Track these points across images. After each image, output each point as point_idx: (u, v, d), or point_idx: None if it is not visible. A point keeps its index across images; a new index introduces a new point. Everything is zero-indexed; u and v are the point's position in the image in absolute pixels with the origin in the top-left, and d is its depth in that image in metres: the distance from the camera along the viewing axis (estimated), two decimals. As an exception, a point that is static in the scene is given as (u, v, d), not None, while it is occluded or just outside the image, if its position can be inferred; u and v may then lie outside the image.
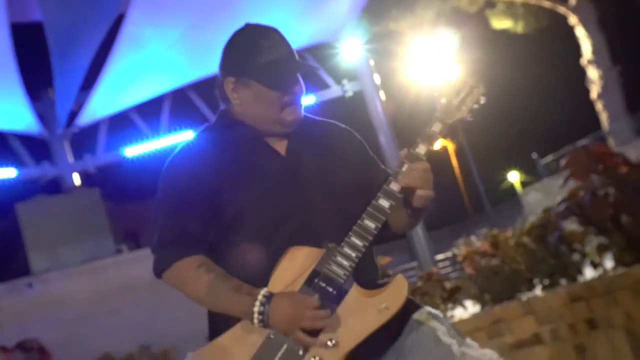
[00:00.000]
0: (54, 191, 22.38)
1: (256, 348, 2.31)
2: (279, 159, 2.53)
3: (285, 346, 2.30)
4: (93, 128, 22.09)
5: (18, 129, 21.15)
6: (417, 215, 2.53)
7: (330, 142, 2.62)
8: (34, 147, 21.76)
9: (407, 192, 2.43)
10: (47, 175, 21.65)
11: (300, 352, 2.30)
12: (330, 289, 2.31)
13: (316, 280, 2.33)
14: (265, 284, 2.36)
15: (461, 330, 2.55)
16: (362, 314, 2.31)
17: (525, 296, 6.63)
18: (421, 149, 2.46)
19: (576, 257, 6.66)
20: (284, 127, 2.53)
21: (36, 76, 21.27)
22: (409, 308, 2.45)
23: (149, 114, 22.26)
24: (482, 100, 2.56)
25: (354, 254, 2.33)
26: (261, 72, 2.47)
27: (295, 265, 2.36)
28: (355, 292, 2.34)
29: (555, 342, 6.21)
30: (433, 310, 2.53)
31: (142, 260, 21.03)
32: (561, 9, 24.35)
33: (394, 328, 2.41)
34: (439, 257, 20.59)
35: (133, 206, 28.04)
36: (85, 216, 21.29)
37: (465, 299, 7.17)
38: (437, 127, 2.51)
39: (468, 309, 7.05)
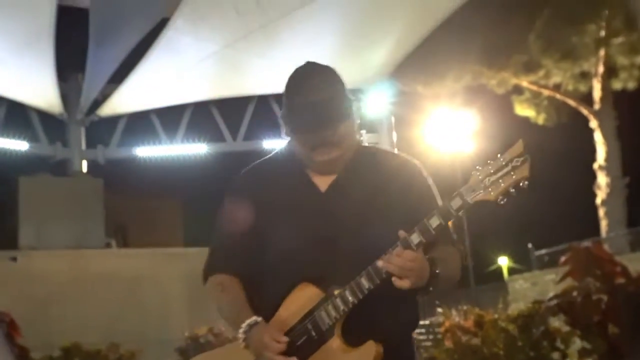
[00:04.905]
0: (59, 173, 22.35)
1: None
2: (317, 195, 2.65)
3: None
4: (112, 121, 22.23)
5: (40, 105, 21.22)
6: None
7: (382, 183, 2.63)
8: (50, 126, 21.81)
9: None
10: (56, 156, 21.74)
11: None
12: (314, 333, 2.52)
13: (306, 322, 2.54)
14: (277, 306, 2.60)
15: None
16: None
17: (498, 381, 6.67)
18: (415, 238, 2.39)
19: (556, 355, 6.71)
20: (318, 165, 2.62)
21: (70, 59, 21.36)
22: None
23: (168, 119, 22.39)
24: (524, 185, 2.29)
25: (351, 299, 2.46)
26: (293, 112, 2.56)
27: (300, 300, 2.56)
28: (333, 343, 2.52)
29: None
30: None
31: (126, 258, 21.07)
32: (584, 111, 24.66)
33: None
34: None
35: (132, 204, 27.81)
36: (83, 203, 21.22)
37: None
38: (456, 202, 2.35)
39: (439, 381, 7.04)
